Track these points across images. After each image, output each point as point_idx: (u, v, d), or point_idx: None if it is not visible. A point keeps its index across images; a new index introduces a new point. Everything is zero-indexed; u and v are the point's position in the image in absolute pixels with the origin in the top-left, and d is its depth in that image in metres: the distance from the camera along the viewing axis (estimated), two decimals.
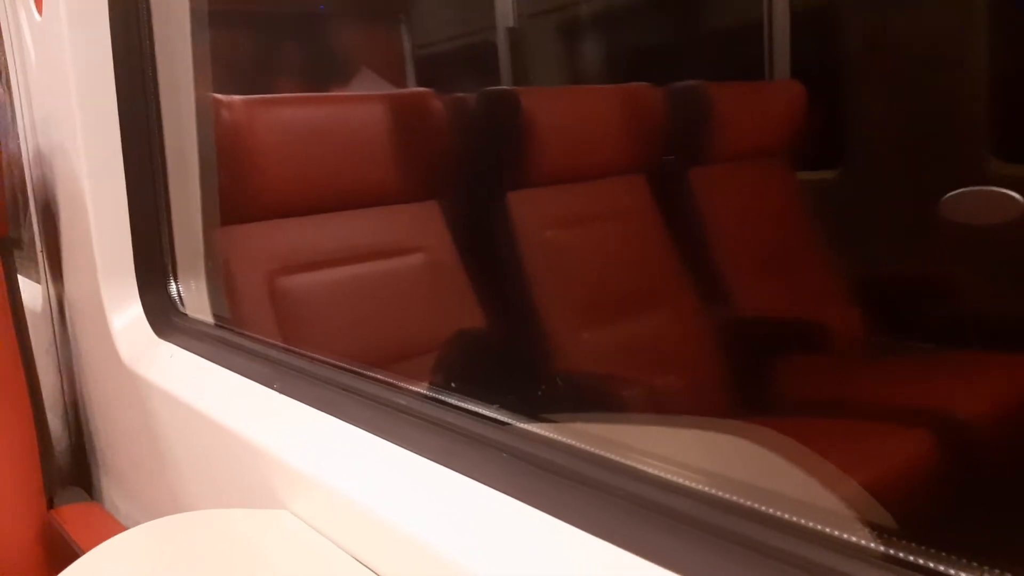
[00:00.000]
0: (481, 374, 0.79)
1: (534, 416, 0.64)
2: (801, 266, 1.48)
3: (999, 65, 1.22)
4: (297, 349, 0.92)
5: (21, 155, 1.30)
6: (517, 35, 1.92)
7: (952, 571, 0.40)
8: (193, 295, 1.12)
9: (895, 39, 1.32)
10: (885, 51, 1.34)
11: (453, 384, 0.73)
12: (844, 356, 1.33)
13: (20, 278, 1.20)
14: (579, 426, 0.63)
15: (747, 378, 1.33)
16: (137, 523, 0.73)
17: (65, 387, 1.31)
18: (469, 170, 1.47)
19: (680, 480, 0.50)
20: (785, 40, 1.52)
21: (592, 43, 1.94)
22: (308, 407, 0.77)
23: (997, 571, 0.39)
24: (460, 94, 1.52)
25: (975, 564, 0.40)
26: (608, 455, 0.55)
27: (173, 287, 1.11)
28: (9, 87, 1.31)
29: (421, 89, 1.45)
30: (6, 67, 1.31)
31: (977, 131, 1.27)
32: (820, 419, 1.15)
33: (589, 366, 1.33)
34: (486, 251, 1.38)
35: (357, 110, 1.35)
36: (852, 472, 0.77)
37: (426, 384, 0.74)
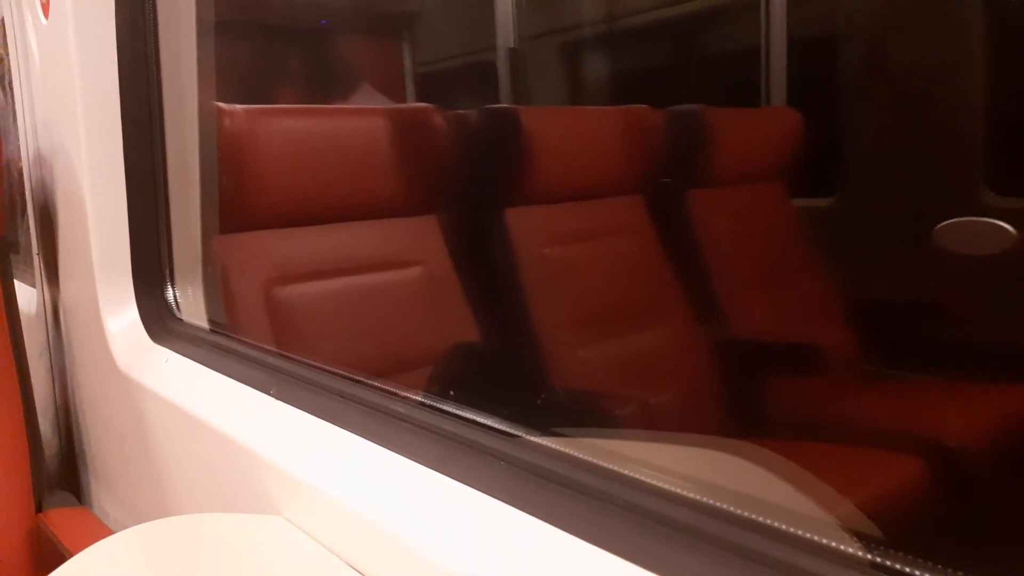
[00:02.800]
0: (476, 389, 0.79)
1: (531, 427, 0.64)
2: (796, 290, 1.49)
3: (995, 100, 1.24)
4: (294, 355, 0.92)
5: (20, 157, 1.30)
6: (518, 56, 1.94)
7: None
8: (190, 301, 1.12)
9: (893, 72, 1.34)
10: (883, 84, 1.36)
11: (450, 395, 0.73)
12: (836, 380, 1.34)
13: (15, 282, 1.20)
14: (576, 438, 0.63)
15: (741, 398, 1.34)
16: (126, 528, 0.73)
17: (57, 391, 1.30)
18: (468, 186, 1.47)
19: (678, 490, 0.50)
20: (782, 68, 1.54)
21: (592, 65, 1.96)
22: (304, 413, 0.77)
23: None
24: (461, 111, 1.53)
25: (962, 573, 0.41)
26: (606, 465, 0.55)
27: (170, 292, 1.11)
28: (11, 89, 1.31)
29: (422, 104, 1.46)
30: (9, 69, 1.32)
31: (972, 164, 1.28)
32: (812, 441, 1.15)
33: (584, 383, 1.33)
34: (483, 266, 1.39)
35: (359, 123, 1.36)
36: (845, 492, 0.77)
37: (423, 392, 0.74)
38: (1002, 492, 0.96)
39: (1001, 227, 1.14)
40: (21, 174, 1.30)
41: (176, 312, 1.10)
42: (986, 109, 1.26)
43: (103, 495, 1.21)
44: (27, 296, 1.31)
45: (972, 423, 1.17)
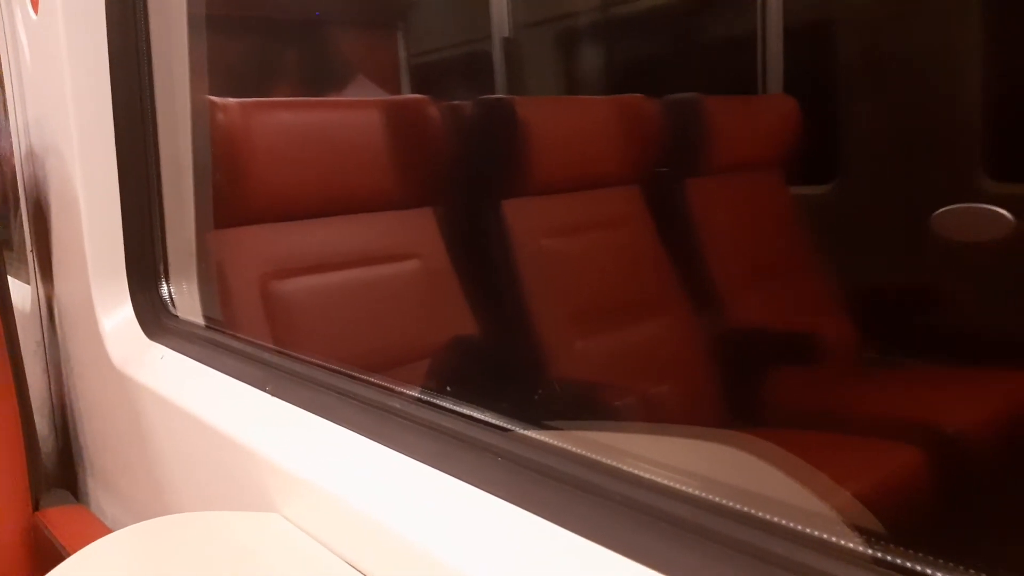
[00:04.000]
0: (474, 381, 0.79)
1: (528, 421, 0.64)
2: (794, 278, 1.48)
3: (993, 86, 1.23)
4: (289, 352, 0.92)
5: (13, 155, 1.30)
6: (512, 45, 1.93)
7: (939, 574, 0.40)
8: (185, 297, 1.11)
9: (890, 58, 1.34)
10: (880, 70, 1.35)
11: (447, 390, 0.73)
12: (835, 368, 1.34)
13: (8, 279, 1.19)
14: (572, 433, 0.63)
15: (740, 389, 1.34)
16: (123, 526, 0.73)
17: (52, 389, 1.30)
18: (464, 178, 1.47)
19: (675, 484, 0.50)
20: (779, 55, 1.53)
21: (588, 54, 1.95)
22: (300, 410, 0.77)
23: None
24: (456, 102, 1.52)
25: (962, 568, 0.40)
26: (603, 459, 0.55)
27: (164, 289, 1.10)
28: (2, 85, 1.30)
29: (417, 96, 1.45)
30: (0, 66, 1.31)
31: (970, 150, 1.28)
32: (810, 430, 1.15)
33: (582, 374, 1.33)
34: (480, 259, 1.38)
35: (353, 115, 1.35)
36: (843, 482, 0.77)
37: (419, 388, 0.74)
38: (1003, 481, 0.96)
39: (999, 213, 1.13)
40: (14, 171, 1.30)
41: (171, 308, 1.10)
42: (984, 95, 1.26)
43: (100, 493, 1.21)
44: (21, 293, 1.30)
45: (971, 410, 1.17)
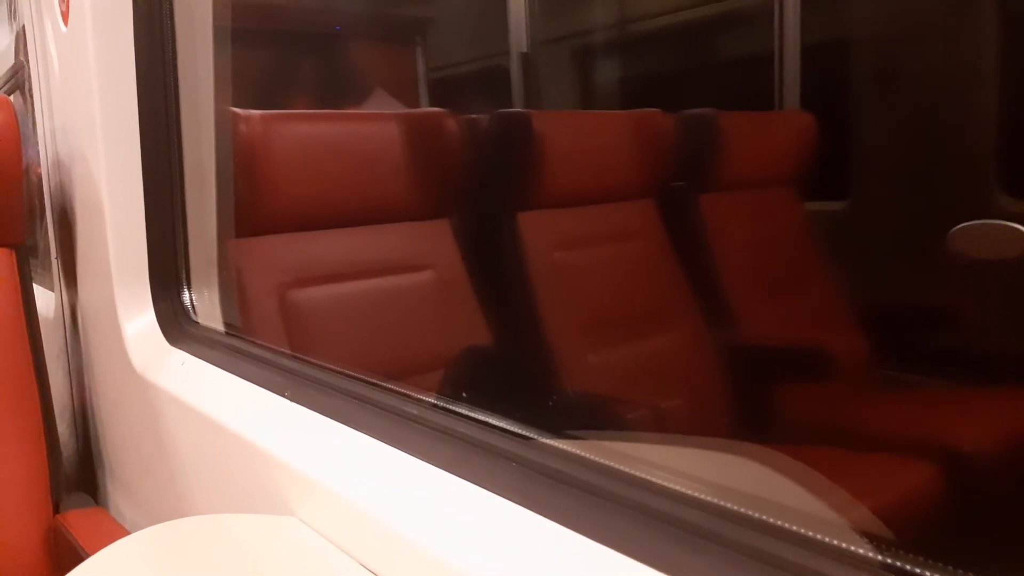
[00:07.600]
0: (488, 392, 0.80)
1: (542, 429, 0.64)
2: (808, 294, 1.48)
3: (1010, 103, 1.23)
4: (308, 358, 0.93)
5: (39, 163, 1.32)
6: (530, 60, 1.94)
7: None
8: (206, 304, 1.12)
9: (905, 75, 1.34)
10: (895, 87, 1.36)
11: (462, 398, 0.73)
12: (849, 385, 1.33)
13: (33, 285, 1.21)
14: (587, 440, 0.63)
15: (753, 403, 1.34)
16: (142, 529, 0.73)
17: (74, 393, 1.31)
18: (480, 190, 1.48)
19: (691, 492, 0.51)
20: (795, 73, 1.54)
21: (604, 69, 1.96)
22: (319, 415, 0.78)
23: None
24: (473, 115, 1.54)
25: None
26: (619, 467, 0.55)
27: (186, 295, 1.12)
28: (31, 95, 1.33)
29: (435, 109, 1.47)
30: (29, 75, 1.33)
31: (985, 166, 1.28)
32: (824, 446, 1.15)
33: (594, 387, 1.33)
34: (495, 270, 1.39)
35: (372, 127, 1.37)
36: (856, 494, 0.77)
37: (436, 394, 0.75)
38: (1018, 498, 0.96)
39: (1017, 230, 1.13)
40: (40, 179, 1.32)
41: (192, 315, 1.11)
42: (999, 111, 1.26)
43: (119, 496, 1.22)
44: (45, 299, 1.32)
45: (989, 428, 1.16)
